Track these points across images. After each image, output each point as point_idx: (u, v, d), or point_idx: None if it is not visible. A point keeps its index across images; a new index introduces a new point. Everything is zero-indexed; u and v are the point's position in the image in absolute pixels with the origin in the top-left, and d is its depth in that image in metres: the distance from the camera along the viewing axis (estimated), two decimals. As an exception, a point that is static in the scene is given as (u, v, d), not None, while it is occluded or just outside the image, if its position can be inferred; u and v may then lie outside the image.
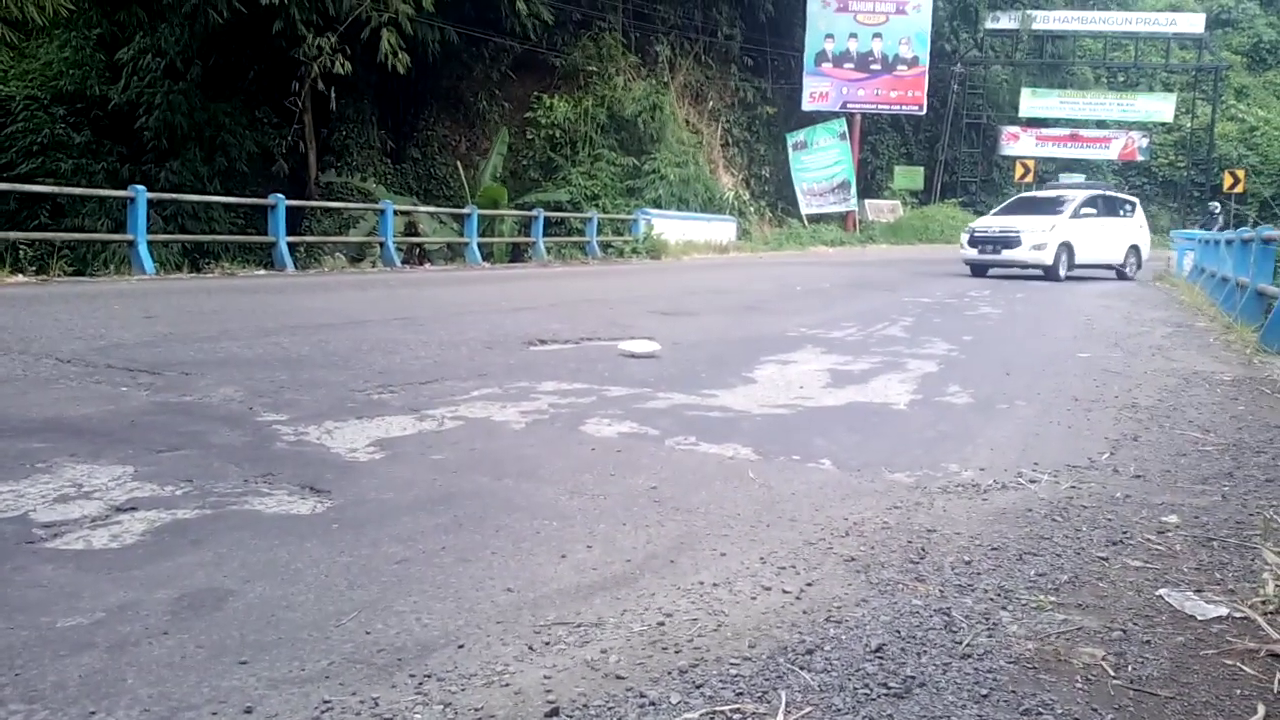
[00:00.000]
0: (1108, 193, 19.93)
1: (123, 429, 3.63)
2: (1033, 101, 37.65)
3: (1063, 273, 17.34)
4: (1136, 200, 20.48)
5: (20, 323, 6.34)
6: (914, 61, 33.00)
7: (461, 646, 1.97)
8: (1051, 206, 18.44)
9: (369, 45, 20.00)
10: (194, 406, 4.11)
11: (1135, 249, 19.11)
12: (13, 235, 12.63)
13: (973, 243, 18.04)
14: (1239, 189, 33.60)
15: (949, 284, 14.55)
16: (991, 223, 18.54)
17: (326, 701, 1.73)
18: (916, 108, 33.60)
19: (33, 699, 1.69)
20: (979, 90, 38.17)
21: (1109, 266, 18.86)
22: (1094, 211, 18.38)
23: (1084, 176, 33.89)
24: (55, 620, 1.99)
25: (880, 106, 33.71)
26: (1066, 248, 17.36)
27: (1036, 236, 17.13)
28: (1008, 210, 19.40)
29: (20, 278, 10.21)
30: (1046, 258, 17.12)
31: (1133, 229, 19.25)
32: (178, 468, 3.12)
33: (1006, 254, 17.45)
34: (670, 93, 28.10)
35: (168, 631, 1.97)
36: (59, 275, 11.11)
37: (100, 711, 1.66)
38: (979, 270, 18.44)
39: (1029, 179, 35.25)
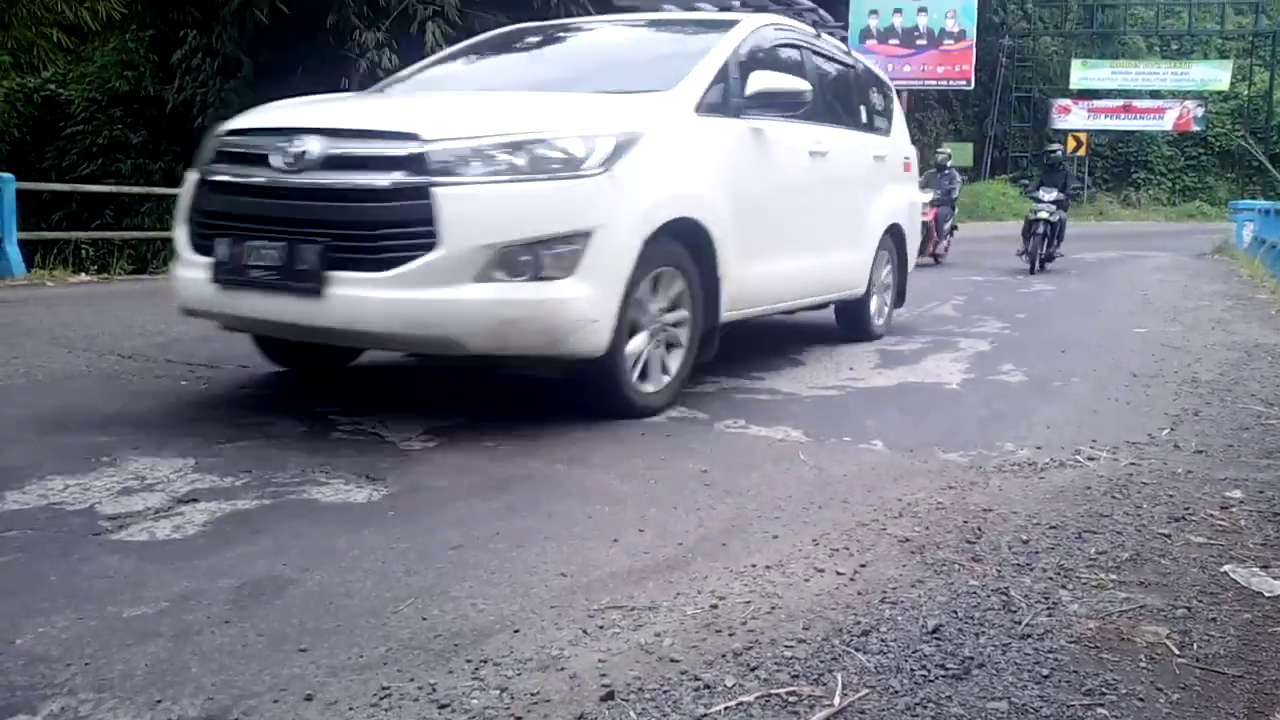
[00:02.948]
0: (823, 39, 5.77)
1: (183, 422, 3.70)
2: (1084, 73, 36.87)
3: (656, 400, 3.95)
4: (884, 77, 7.01)
5: (84, 321, 6.48)
6: (960, 35, 32.46)
7: (517, 631, 1.99)
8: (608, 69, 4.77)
9: (416, 37, 20.10)
10: (252, 399, 4.17)
11: (895, 237, 6.40)
12: (74, 235, 12.92)
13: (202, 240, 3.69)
14: (1301, 156, 32.65)
15: (1004, 261, 14.08)
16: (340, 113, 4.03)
17: (385, 688, 1.75)
18: (964, 82, 33.04)
19: (101, 687, 1.73)
20: (1028, 63, 37.50)
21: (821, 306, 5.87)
22: (807, 94, 4.62)
23: None
24: (122, 610, 2.04)
25: (927, 82, 33.21)
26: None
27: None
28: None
29: (84, 277, 10.43)
30: (599, 337, 3.50)
31: (895, 172, 6.43)
32: (237, 459, 3.18)
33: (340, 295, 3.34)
34: (713, 75, 27.83)
35: (229, 620, 2.01)
36: (120, 274, 11.36)
37: (166, 699, 1.70)
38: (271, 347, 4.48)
39: (1081, 152, 34.60)
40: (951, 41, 32.57)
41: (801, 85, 4.60)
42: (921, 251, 12.02)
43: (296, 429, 3.63)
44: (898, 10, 32.41)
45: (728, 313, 4.35)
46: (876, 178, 6.11)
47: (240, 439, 3.45)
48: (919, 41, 32.56)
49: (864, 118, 6.19)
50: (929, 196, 13.09)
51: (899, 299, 6.85)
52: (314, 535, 2.51)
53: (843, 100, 5.91)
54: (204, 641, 1.91)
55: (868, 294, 6.07)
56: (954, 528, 2.67)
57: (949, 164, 14.39)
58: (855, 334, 6.20)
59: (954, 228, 14.02)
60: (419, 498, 2.84)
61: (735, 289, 4.32)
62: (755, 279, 4.55)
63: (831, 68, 5.82)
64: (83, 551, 2.36)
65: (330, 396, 4.19)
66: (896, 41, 32.52)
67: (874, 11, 32.52)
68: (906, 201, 6.81)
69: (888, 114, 6.73)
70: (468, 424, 3.75)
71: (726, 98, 4.38)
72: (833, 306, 6.12)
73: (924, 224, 12.27)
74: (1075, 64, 37.02)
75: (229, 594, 2.13)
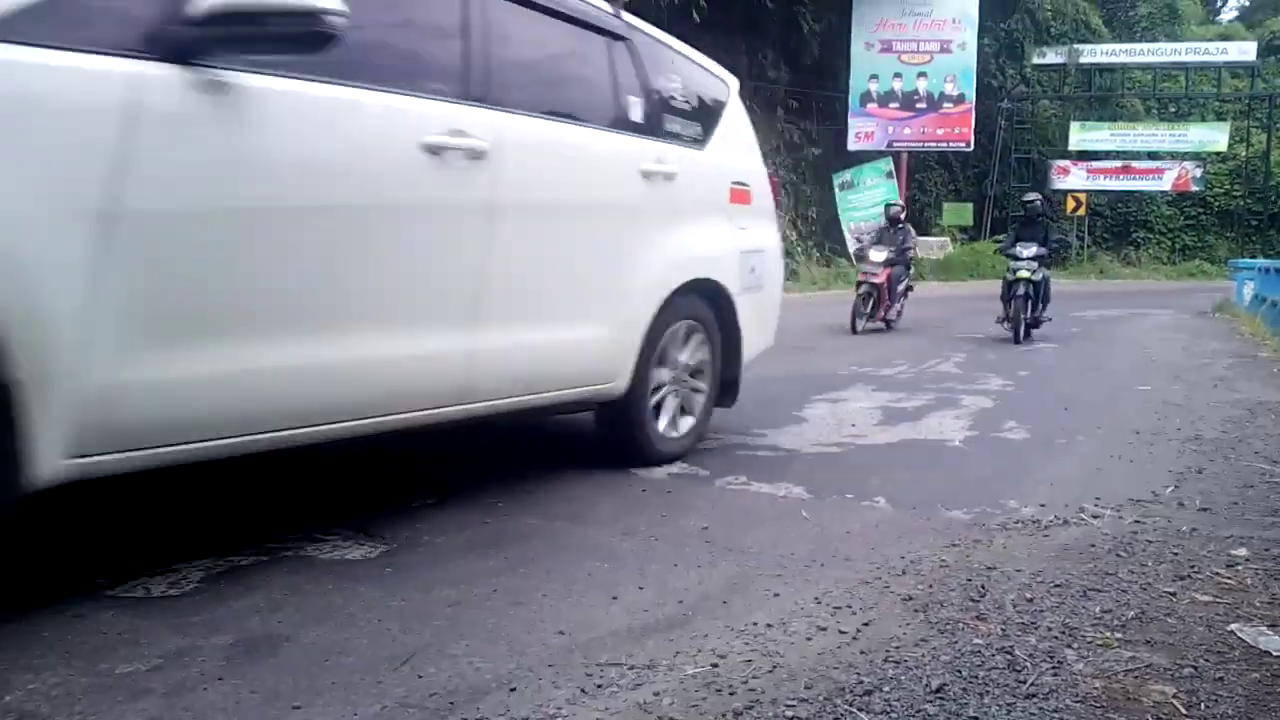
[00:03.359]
0: None
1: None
2: (1082, 135, 37.27)
3: None
4: (703, 61, 4.54)
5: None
6: (960, 99, 32.90)
7: (514, 690, 1.96)
8: None
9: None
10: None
11: (712, 300, 4.28)
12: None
13: None
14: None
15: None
16: None
17: (379, 746, 1.72)
18: (964, 144, 33.41)
19: (92, 744, 1.71)
20: (1027, 125, 37.95)
21: None
22: None
23: None
24: (115, 666, 2.01)
25: (927, 144, 33.60)
26: None
27: None
28: None
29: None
30: None
31: (706, 201, 4.27)
32: (234, 513, 3.16)
33: None
34: (715, 137, 28.10)
35: (223, 677, 1.98)
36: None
37: (157, 757, 1.67)
38: None
39: (1081, 212, 34.89)
40: (951, 105, 32.99)
41: (320, 2, 2.30)
42: (871, 316, 11.47)
43: (293, 483, 3.62)
44: (897, 75, 32.90)
45: (86, 459, 2.22)
46: (652, 205, 3.89)
47: (235, 494, 3.43)
48: (919, 105, 33.00)
49: (634, 113, 3.90)
50: (882, 256, 11.89)
51: (727, 393, 4.53)
52: (310, 592, 2.48)
53: (567, 77, 3.73)
54: (196, 699, 1.88)
55: (638, 390, 3.87)
56: (958, 586, 2.64)
57: (902, 217, 12.86)
58: (621, 455, 4.01)
59: (909, 288, 12.60)
60: (416, 554, 2.82)
61: (113, 404, 2.24)
62: (198, 382, 2.42)
63: (544, 22, 3.54)
64: (77, 608, 2.34)
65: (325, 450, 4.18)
66: (897, 105, 32.97)
67: (874, 76, 33.02)
68: (734, 246, 4.40)
69: (703, 118, 4.36)
70: (467, 479, 3.74)
71: (164, 22, 2.26)
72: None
73: (874, 286, 11.60)
74: (1074, 126, 37.41)
75: (223, 651, 2.11)
